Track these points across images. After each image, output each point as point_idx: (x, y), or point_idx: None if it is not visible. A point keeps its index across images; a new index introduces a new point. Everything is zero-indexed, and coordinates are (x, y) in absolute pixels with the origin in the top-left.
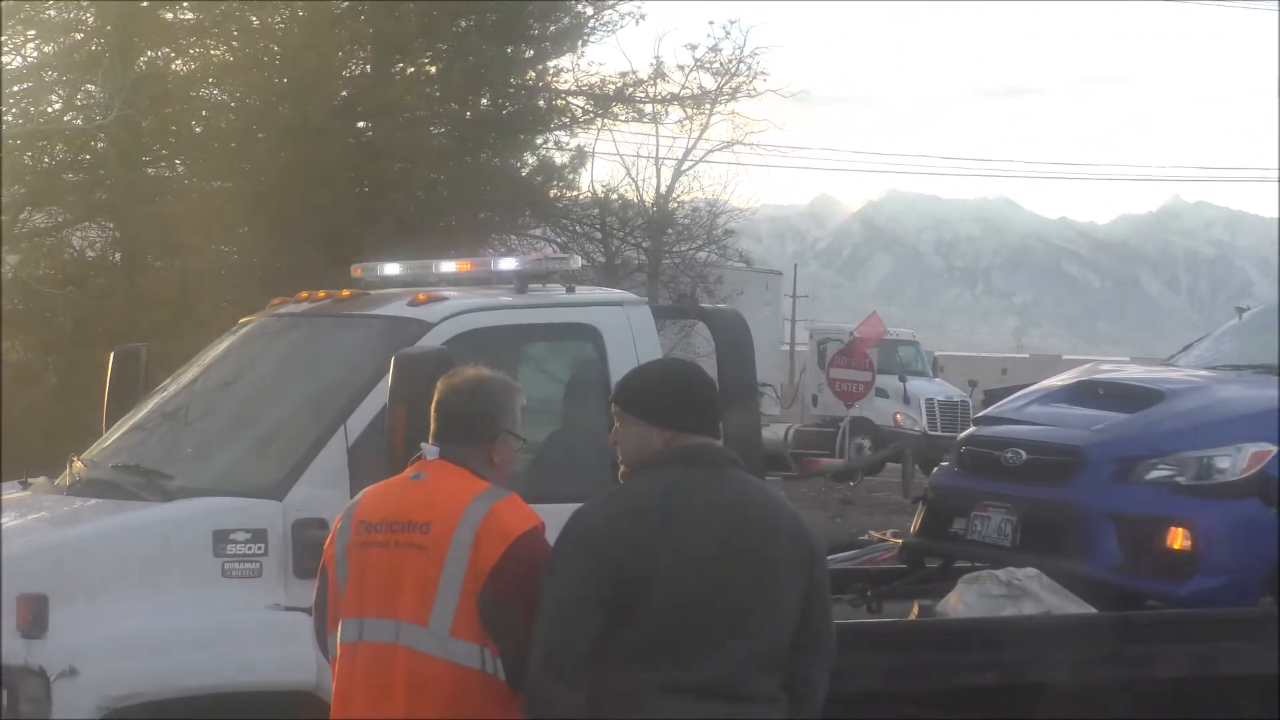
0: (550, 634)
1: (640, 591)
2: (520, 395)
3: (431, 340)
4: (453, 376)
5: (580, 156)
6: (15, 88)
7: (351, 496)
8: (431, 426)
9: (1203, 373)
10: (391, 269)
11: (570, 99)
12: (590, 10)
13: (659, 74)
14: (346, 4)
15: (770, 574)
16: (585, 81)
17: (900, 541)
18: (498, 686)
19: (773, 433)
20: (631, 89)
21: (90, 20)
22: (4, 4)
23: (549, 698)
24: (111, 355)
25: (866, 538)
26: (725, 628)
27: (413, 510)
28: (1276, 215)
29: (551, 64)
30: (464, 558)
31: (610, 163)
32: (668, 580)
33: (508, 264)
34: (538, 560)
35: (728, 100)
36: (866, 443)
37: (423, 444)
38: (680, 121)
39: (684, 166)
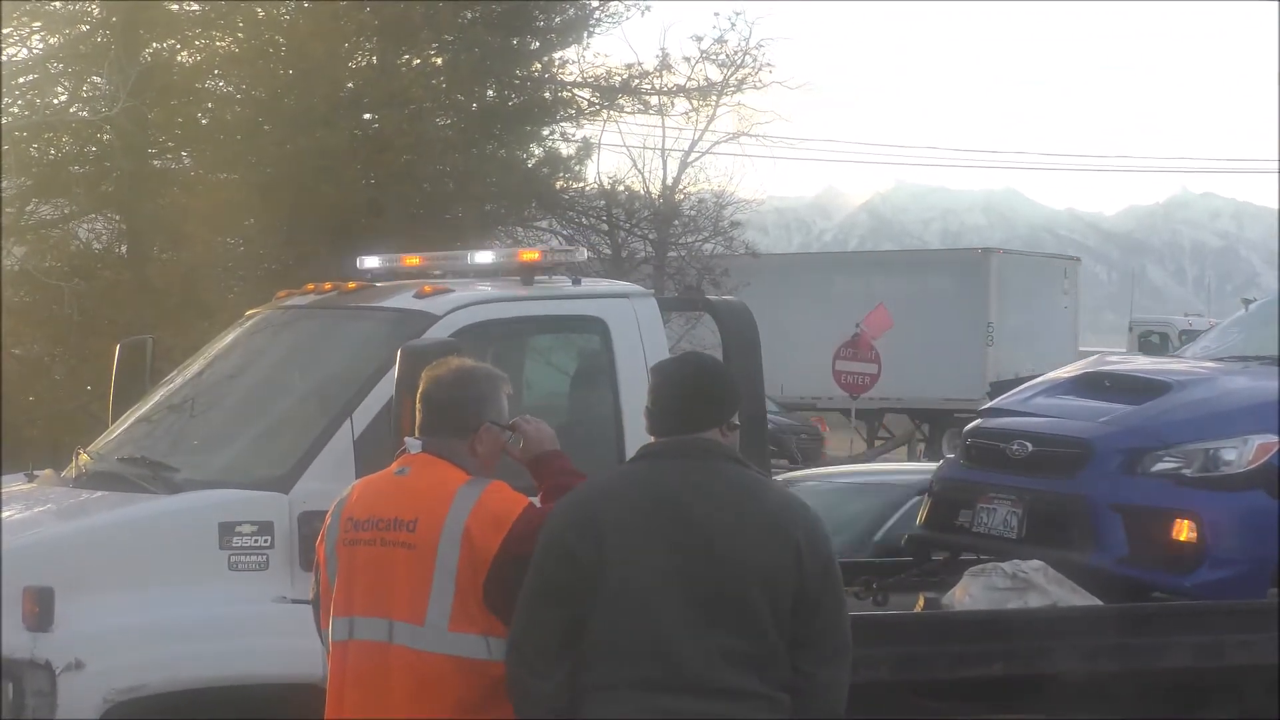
0: (517, 624)
1: (592, 577)
2: (505, 385)
3: (437, 332)
4: (436, 368)
5: (586, 148)
6: (21, 79)
7: None
8: (417, 419)
9: (1209, 364)
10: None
11: (576, 91)
12: (595, 2)
13: (665, 66)
14: None
15: (735, 567)
16: (591, 73)
17: (906, 534)
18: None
19: None
20: (637, 81)
21: (96, 12)
22: None
23: (519, 687)
24: (118, 347)
25: None
26: (691, 620)
27: (397, 508)
28: (1278, 207)
29: (557, 56)
30: (455, 552)
31: (616, 154)
32: (618, 565)
33: None
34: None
35: (733, 92)
36: None
37: (406, 438)
38: (686, 113)
39: (690, 158)
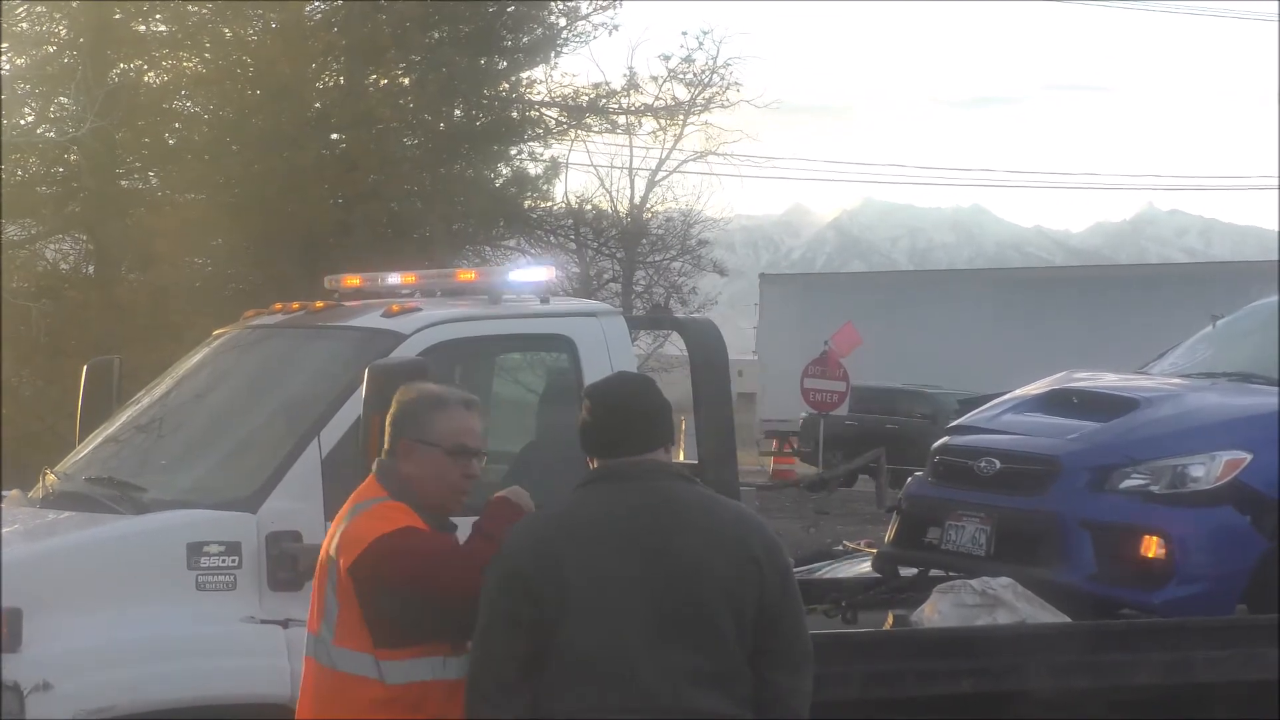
0: (474, 657)
1: (555, 606)
2: (453, 406)
3: (405, 352)
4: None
5: (554, 167)
6: None
7: (325, 509)
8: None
9: (1176, 381)
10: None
11: (543, 110)
12: (563, 21)
13: (632, 85)
14: (320, 16)
15: (697, 584)
16: (558, 92)
17: (875, 551)
18: (395, 695)
19: None
20: (605, 100)
21: (63, 32)
22: None
23: None
24: (85, 367)
25: (841, 548)
26: (655, 642)
27: (334, 524)
28: (1250, 223)
29: (525, 75)
30: (335, 567)
31: (584, 173)
32: (581, 592)
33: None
34: (395, 564)
35: (701, 111)
36: None
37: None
38: (654, 132)
39: (658, 177)
